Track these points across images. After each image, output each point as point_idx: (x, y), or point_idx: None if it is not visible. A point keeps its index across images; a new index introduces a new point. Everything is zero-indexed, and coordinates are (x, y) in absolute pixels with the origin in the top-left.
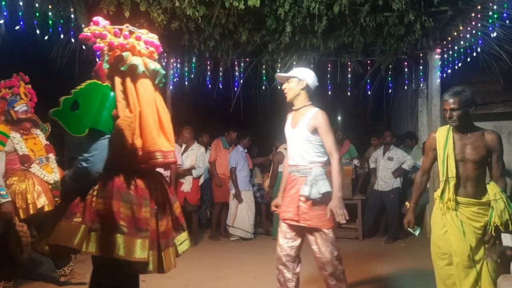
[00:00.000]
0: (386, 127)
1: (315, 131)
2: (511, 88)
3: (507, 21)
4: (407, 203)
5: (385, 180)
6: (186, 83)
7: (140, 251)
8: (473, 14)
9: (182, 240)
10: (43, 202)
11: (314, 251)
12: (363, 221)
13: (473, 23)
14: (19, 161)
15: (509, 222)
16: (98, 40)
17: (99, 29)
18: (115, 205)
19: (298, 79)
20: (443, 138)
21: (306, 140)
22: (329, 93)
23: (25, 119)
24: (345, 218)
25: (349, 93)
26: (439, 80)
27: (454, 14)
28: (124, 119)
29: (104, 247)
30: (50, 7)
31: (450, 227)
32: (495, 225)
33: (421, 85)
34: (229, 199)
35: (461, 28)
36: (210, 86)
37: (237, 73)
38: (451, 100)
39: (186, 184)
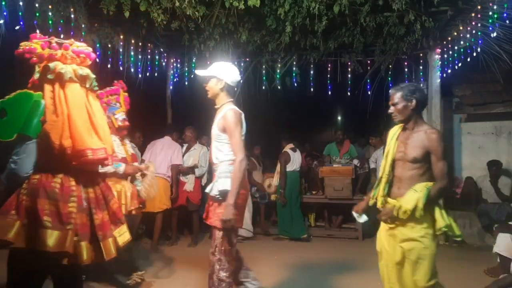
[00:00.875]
0: (386, 127)
1: (224, 130)
2: (511, 88)
3: (507, 21)
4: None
5: None
6: (186, 83)
7: (54, 241)
8: (473, 14)
9: (122, 232)
10: (133, 205)
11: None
12: None
13: (473, 23)
14: None
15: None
16: (32, 54)
17: (28, 44)
18: (40, 202)
19: (217, 79)
20: (391, 135)
21: (217, 139)
22: (329, 93)
23: (122, 127)
24: (233, 230)
25: (349, 93)
26: (439, 80)
27: (454, 14)
28: (50, 122)
29: (30, 240)
30: (50, 7)
31: (381, 225)
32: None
33: (421, 85)
34: None
35: (461, 28)
36: None
37: None
38: (391, 95)
39: (189, 184)
